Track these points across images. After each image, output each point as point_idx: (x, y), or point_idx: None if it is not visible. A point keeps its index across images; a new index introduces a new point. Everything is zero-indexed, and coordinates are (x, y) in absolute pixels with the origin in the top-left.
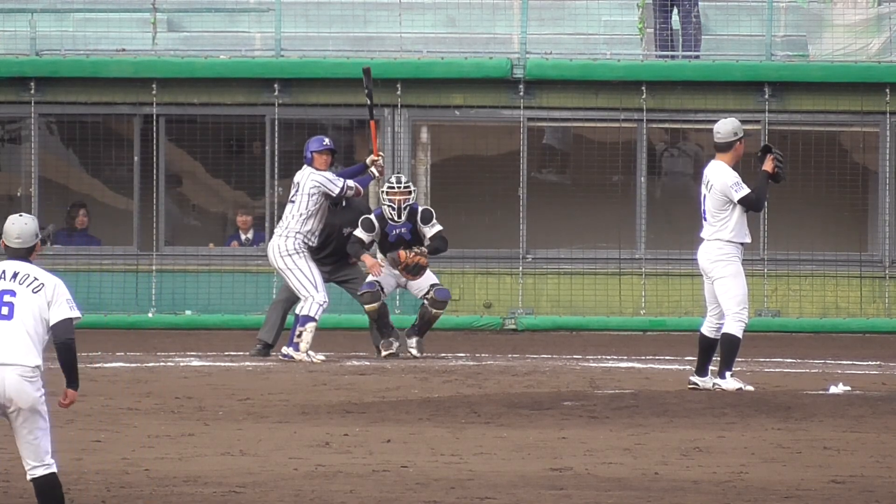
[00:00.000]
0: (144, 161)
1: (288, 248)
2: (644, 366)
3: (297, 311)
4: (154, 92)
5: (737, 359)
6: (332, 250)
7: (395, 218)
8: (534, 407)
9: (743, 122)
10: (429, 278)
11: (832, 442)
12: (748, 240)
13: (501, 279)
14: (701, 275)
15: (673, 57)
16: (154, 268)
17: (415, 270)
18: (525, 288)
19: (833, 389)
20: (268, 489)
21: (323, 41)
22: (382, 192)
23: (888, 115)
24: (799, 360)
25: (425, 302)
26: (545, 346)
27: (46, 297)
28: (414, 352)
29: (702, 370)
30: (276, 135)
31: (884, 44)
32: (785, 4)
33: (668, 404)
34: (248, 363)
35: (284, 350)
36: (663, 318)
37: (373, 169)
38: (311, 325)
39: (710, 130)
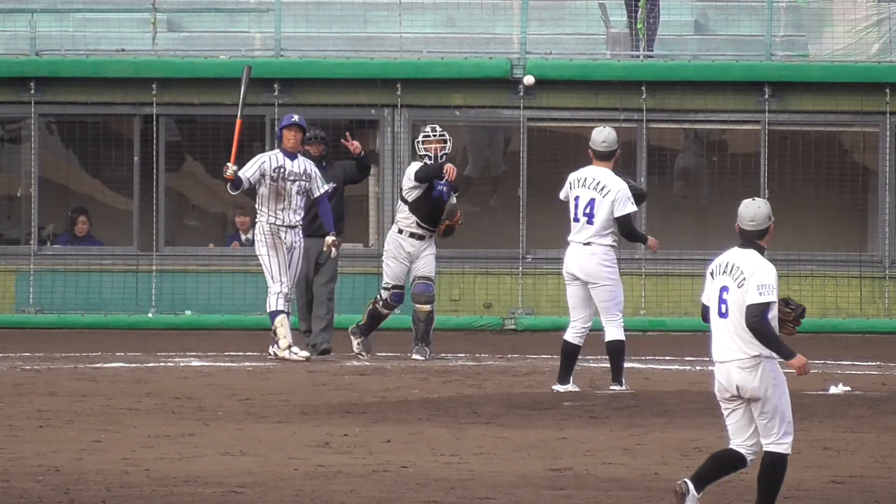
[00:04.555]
0: (144, 161)
1: (255, 233)
2: (644, 366)
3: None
4: (154, 92)
5: None
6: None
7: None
8: (534, 407)
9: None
10: (427, 267)
11: (832, 442)
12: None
13: (501, 279)
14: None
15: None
16: (154, 268)
17: (449, 232)
18: (525, 288)
19: (833, 389)
20: (268, 489)
21: (323, 41)
22: (418, 142)
23: (888, 115)
24: None
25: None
26: (545, 346)
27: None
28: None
29: (565, 377)
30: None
31: (884, 44)
32: (785, 4)
33: (668, 404)
34: (247, 363)
35: (271, 350)
36: (663, 318)
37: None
38: (276, 321)
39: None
